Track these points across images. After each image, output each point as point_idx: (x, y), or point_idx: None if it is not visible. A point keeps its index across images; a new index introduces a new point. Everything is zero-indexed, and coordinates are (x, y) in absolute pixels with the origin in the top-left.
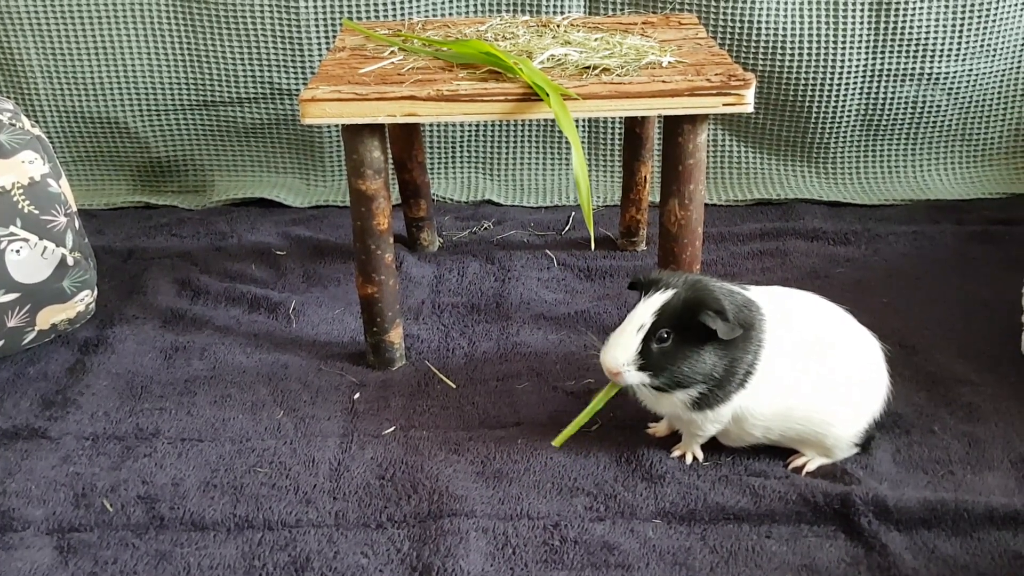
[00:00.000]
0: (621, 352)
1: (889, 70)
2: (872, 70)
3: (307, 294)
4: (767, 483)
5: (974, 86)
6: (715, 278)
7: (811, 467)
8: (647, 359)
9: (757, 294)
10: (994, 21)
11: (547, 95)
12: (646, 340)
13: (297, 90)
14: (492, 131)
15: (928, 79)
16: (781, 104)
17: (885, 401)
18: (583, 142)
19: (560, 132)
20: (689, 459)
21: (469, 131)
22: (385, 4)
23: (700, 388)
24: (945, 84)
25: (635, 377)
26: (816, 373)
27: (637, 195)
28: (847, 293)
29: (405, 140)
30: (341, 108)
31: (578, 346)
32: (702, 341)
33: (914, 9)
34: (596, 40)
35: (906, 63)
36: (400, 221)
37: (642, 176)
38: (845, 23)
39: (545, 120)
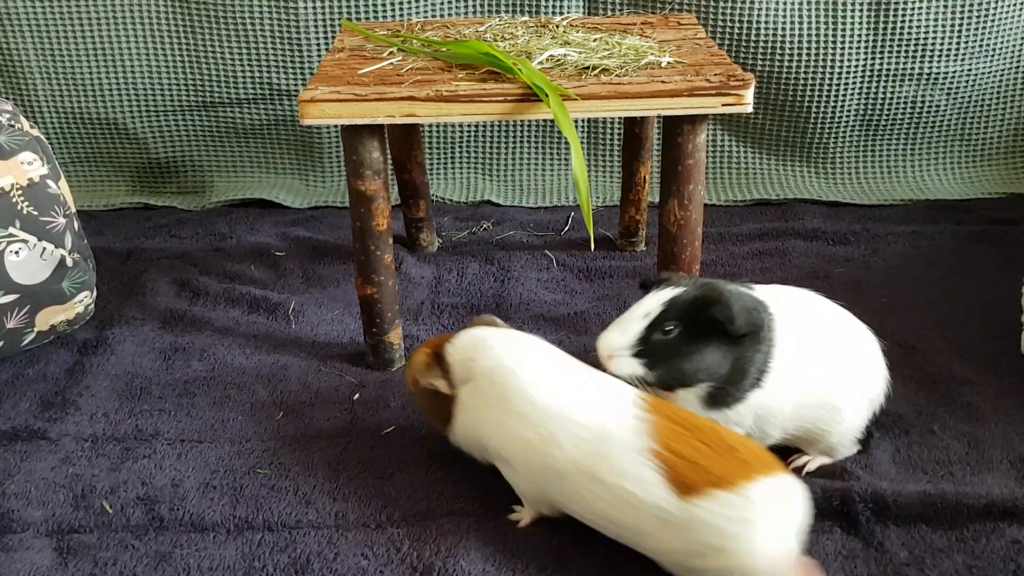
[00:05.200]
0: (619, 336)
1: (888, 70)
2: (871, 70)
3: (306, 295)
4: None
5: (973, 86)
6: (724, 280)
7: (811, 467)
8: (646, 347)
9: (762, 293)
10: (993, 21)
11: (546, 95)
12: (650, 329)
13: (296, 91)
14: (491, 132)
15: (927, 79)
16: (780, 104)
17: (884, 394)
18: (582, 143)
19: (559, 132)
20: None
21: (468, 132)
22: (384, 5)
23: (705, 386)
24: (944, 84)
25: (628, 366)
26: (823, 369)
27: (636, 195)
28: (846, 293)
29: (404, 141)
30: (340, 109)
31: (578, 346)
32: (707, 338)
33: (913, 9)
34: (595, 40)
35: (905, 63)
36: (399, 222)
37: (641, 176)
38: (844, 23)
39: (544, 120)
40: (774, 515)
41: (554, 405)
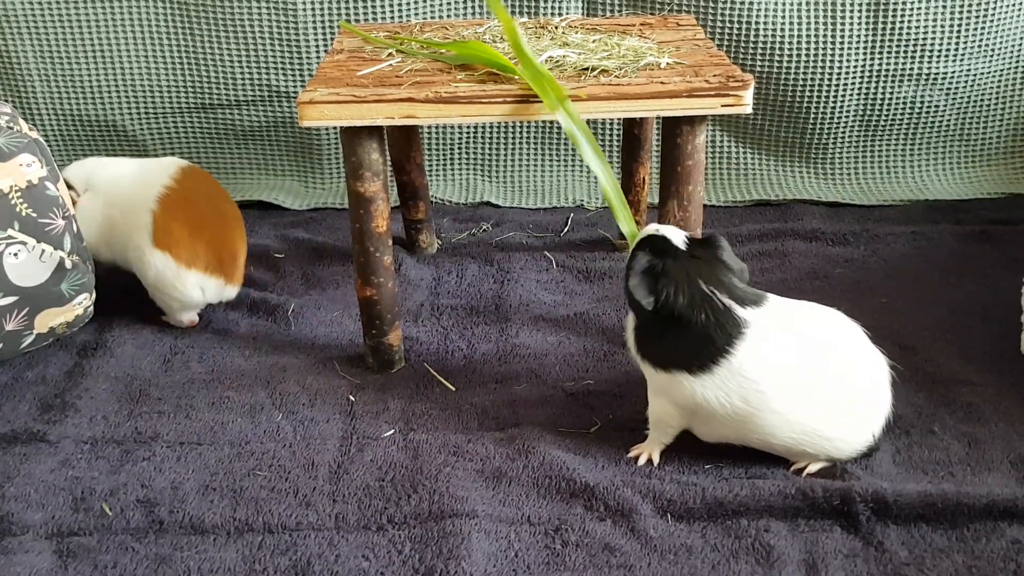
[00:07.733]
0: (672, 231)
1: (887, 70)
2: (870, 70)
3: (306, 297)
4: (767, 481)
5: (972, 86)
6: (742, 286)
7: (811, 469)
8: (657, 252)
9: (762, 315)
10: (992, 21)
11: (553, 104)
12: (666, 246)
13: (295, 92)
14: (491, 133)
15: (926, 79)
16: (779, 105)
17: (883, 422)
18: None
19: (559, 132)
20: (643, 460)
21: (467, 133)
22: (383, 6)
23: (633, 320)
24: (943, 84)
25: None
26: (799, 398)
27: (636, 196)
28: (846, 293)
29: (403, 142)
30: (339, 110)
31: (578, 348)
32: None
33: (912, 9)
34: (594, 41)
35: (904, 63)
36: (399, 223)
37: (641, 177)
38: (843, 24)
39: (544, 121)
40: (192, 289)
41: (119, 198)
